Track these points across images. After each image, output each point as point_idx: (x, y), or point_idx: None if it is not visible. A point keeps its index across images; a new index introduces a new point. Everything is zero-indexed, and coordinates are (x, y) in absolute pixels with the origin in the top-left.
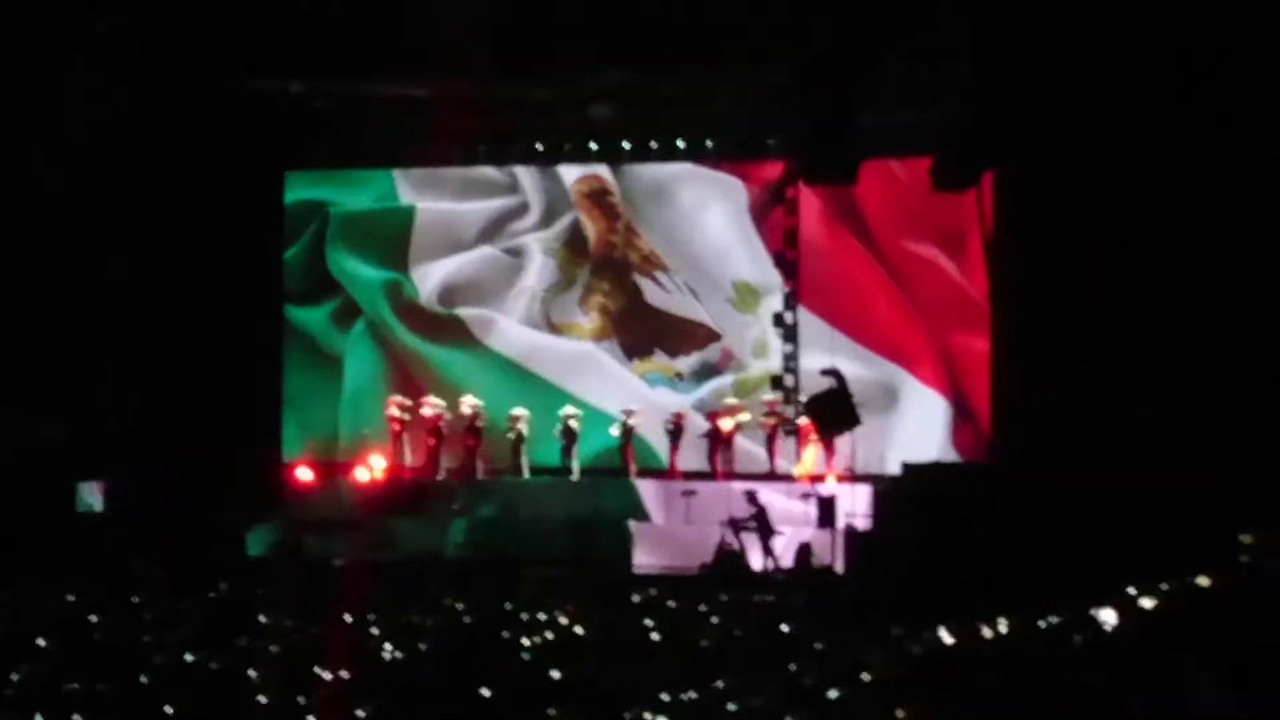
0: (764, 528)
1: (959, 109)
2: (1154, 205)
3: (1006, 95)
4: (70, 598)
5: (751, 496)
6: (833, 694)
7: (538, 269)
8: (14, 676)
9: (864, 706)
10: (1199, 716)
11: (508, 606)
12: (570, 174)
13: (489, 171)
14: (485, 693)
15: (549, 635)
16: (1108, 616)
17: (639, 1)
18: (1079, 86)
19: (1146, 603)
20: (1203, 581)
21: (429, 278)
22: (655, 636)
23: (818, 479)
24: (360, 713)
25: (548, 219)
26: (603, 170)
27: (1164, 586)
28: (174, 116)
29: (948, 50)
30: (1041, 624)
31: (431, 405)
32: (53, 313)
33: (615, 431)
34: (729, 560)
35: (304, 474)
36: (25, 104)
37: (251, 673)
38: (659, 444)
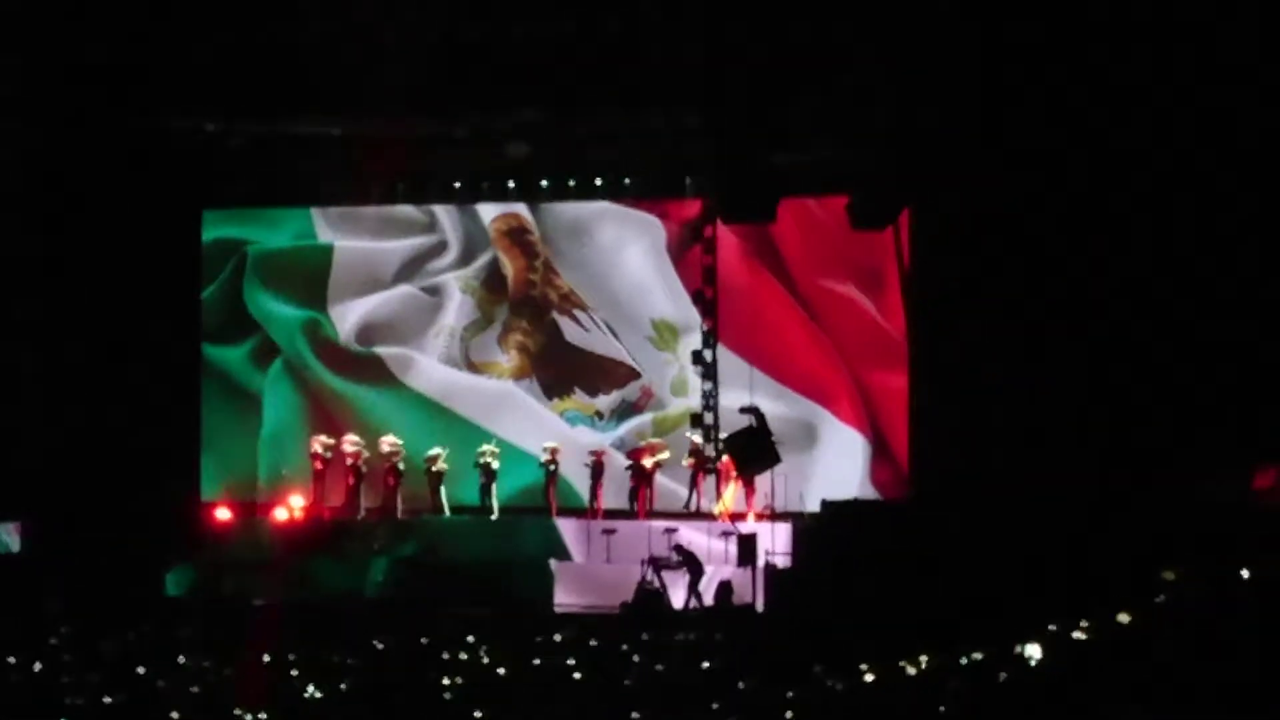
0: (693, 567)
1: (877, 148)
2: (1070, 244)
3: (923, 135)
4: None
5: (678, 547)
6: None
7: (456, 307)
8: None
9: None
10: None
11: (428, 646)
12: (489, 212)
13: (407, 210)
14: None
15: (470, 675)
16: (1033, 652)
17: (554, 42)
18: (994, 127)
19: (1071, 638)
20: (1124, 618)
21: (347, 316)
22: (577, 675)
23: (738, 517)
24: None
25: (466, 257)
26: (521, 209)
27: (1085, 623)
28: (88, 155)
29: (865, 91)
30: (964, 660)
31: (351, 444)
32: None
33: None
34: (649, 599)
35: (222, 514)
36: None
37: (173, 715)
38: (579, 483)
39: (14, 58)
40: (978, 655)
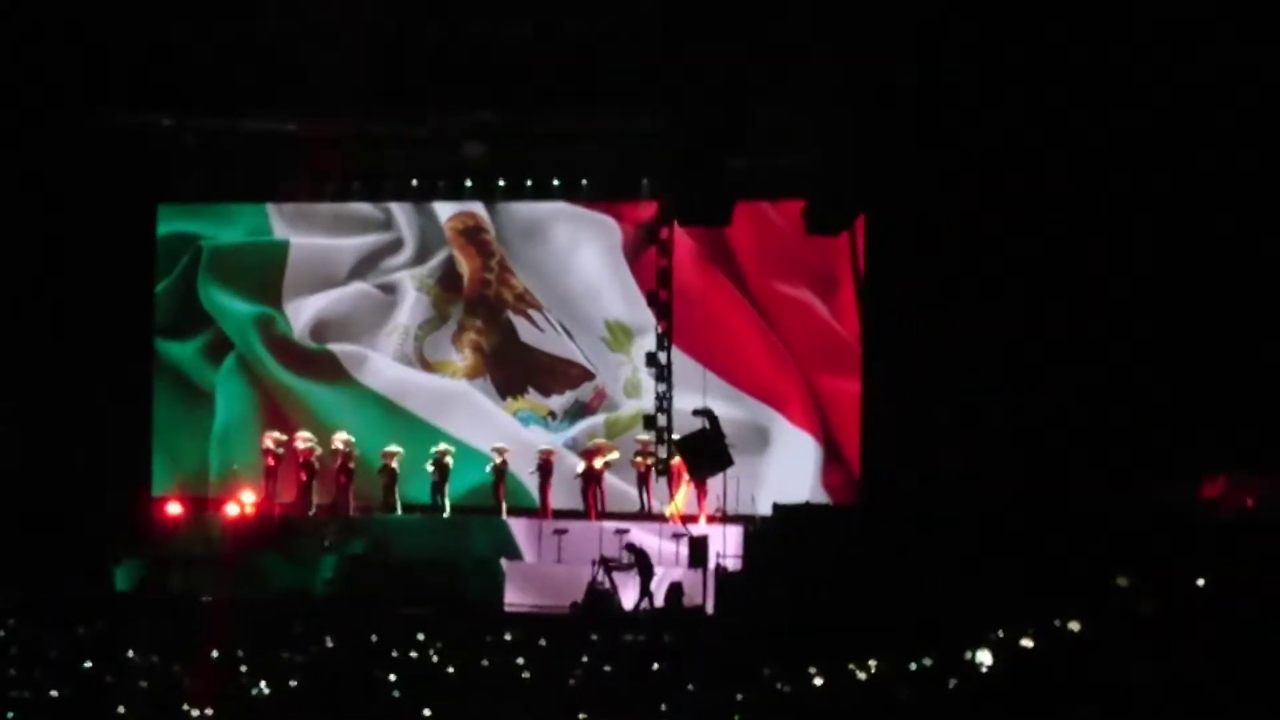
0: (645, 568)
1: (833, 154)
2: (1026, 251)
3: (879, 141)
4: None
5: (630, 546)
6: None
7: (411, 306)
8: None
9: None
10: None
11: (377, 644)
12: (445, 211)
13: (363, 207)
14: None
15: (420, 673)
16: (984, 658)
17: (512, 43)
18: (950, 134)
19: (1022, 645)
20: (1074, 625)
21: (302, 313)
22: (526, 675)
23: (689, 519)
24: None
25: (421, 256)
26: (477, 208)
27: (1035, 630)
28: (43, 149)
29: (822, 96)
30: (914, 665)
31: (304, 440)
32: None
33: (489, 469)
34: (599, 599)
35: (173, 509)
36: None
37: (121, 710)
38: (530, 483)
39: None
40: (927, 660)
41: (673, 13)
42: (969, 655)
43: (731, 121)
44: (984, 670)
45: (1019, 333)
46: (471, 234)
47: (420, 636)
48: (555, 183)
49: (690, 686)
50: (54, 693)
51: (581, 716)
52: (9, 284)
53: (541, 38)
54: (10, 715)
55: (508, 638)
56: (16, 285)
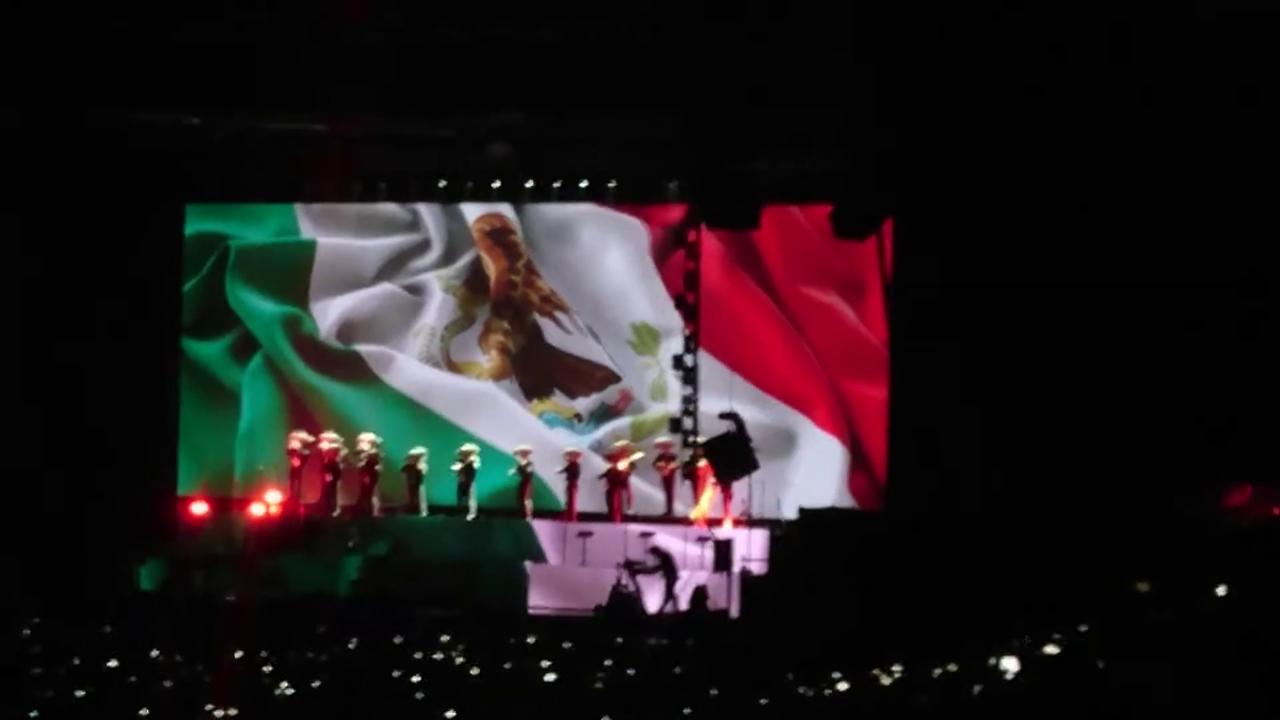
0: (669, 571)
1: (861, 158)
2: (1054, 256)
3: (908, 146)
4: None
5: (655, 549)
6: None
7: (437, 307)
8: None
9: None
10: None
11: (400, 645)
12: (472, 212)
13: (390, 208)
14: None
15: (442, 675)
16: (1009, 665)
17: (539, 45)
18: (978, 137)
19: (1046, 652)
20: (1097, 630)
21: (328, 313)
22: (548, 678)
23: (714, 523)
24: None
25: (449, 257)
26: (504, 209)
27: (1058, 636)
28: (71, 148)
29: (850, 100)
30: (938, 672)
31: (329, 441)
32: None
33: (511, 472)
34: (623, 603)
35: (198, 508)
36: None
37: (143, 711)
38: (556, 485)
39: None
40: (952, 667)
41: (700, 15)
42: (993, 662)
43: (752, 126)
44: (1008, 678)
45: (1046, 338)
46: (498, 235)
47: (443, 638)
48: (583, 184)
49: (714, 691)
50: (78, 692)
51: None
52: (36, 283)
53: (568, 39)
54: (34, 714)
55: (531, 640)
56: (44, 284)
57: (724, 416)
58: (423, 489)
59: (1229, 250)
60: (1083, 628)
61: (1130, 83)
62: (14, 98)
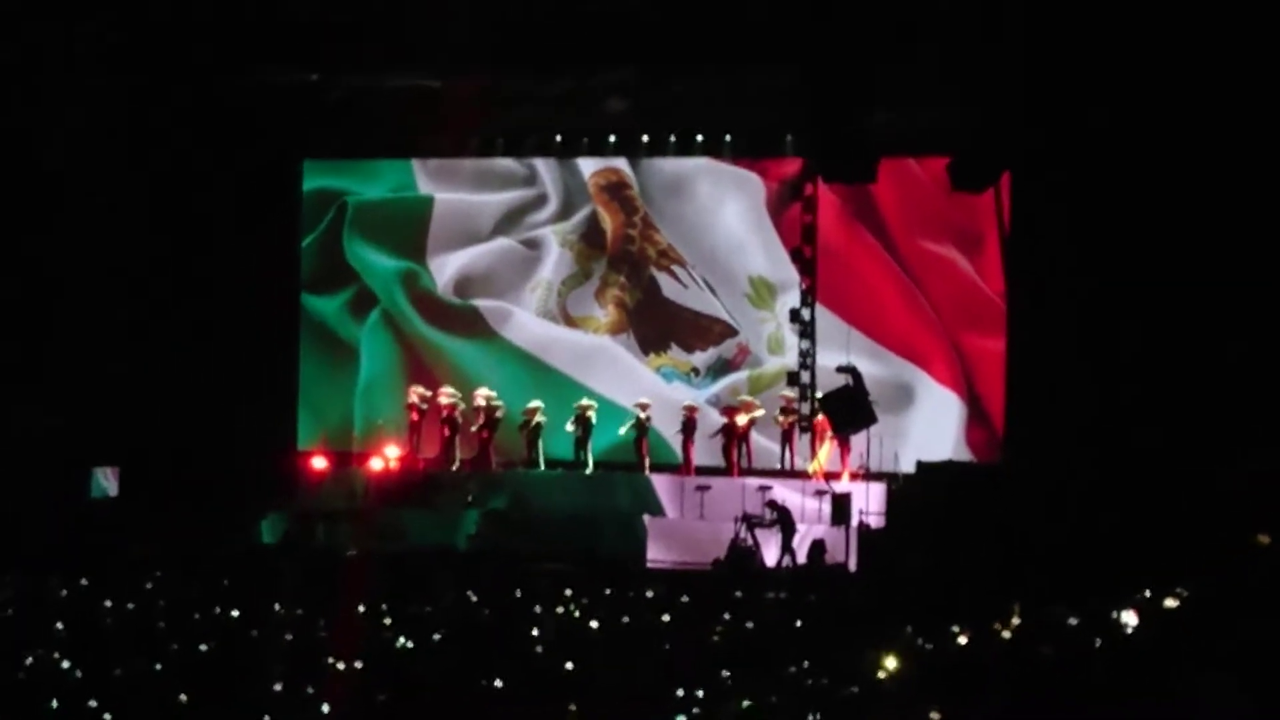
0: (786, 525)
1: (978, 110)
2: (1172, 208)
3: (1026, 98)
4: (83, 583)
5: (772, 503)
6: (847, 692)
7: (554, 261)
8: (28, 661)
9: (878, 705)
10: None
11: (519, 599)
12: (588, 167)
13: (507, 163)
14: (498, 684)
15: (561, 628)
16: (1129, 618)
17: None
18: (1097, 89)
19: (1165, 605)
20: (1216, 585)
21: (445, 268)
22: (667, 632)
23: (832, 476)
24: (373, 702)
25: (565, 211)
26: (621, 164)
27: (1178, 590)
28: (191, 106)
29: (967, 52)
30: (1058, 624)
31: (447, 395)
32: (70, 301)
33: (623, 430)
34: (742, 556)
35: (318, 463)
36: (33, 90)
37: (266, 663)
38: (673, 439)
39: (117, 11)
40: (1072, 620)
41: None
42: (1115, 615)
43: (869, 78)
44: (1129, 631)
45: (1164, 291)
46: (615, 190)
47: (566, 592)
48: (699, 139)
49: (831, 643)
50: (202, 646)
51: (724, 674)
52: (157, 241)
53: None
54: (158, 667)
55: (649, 594)
56: (164, 242)
57: (841, 370)
58: (540, 443)
59: None
60: (1204, 582)
61: (1266, 30)
62: (136, 60)
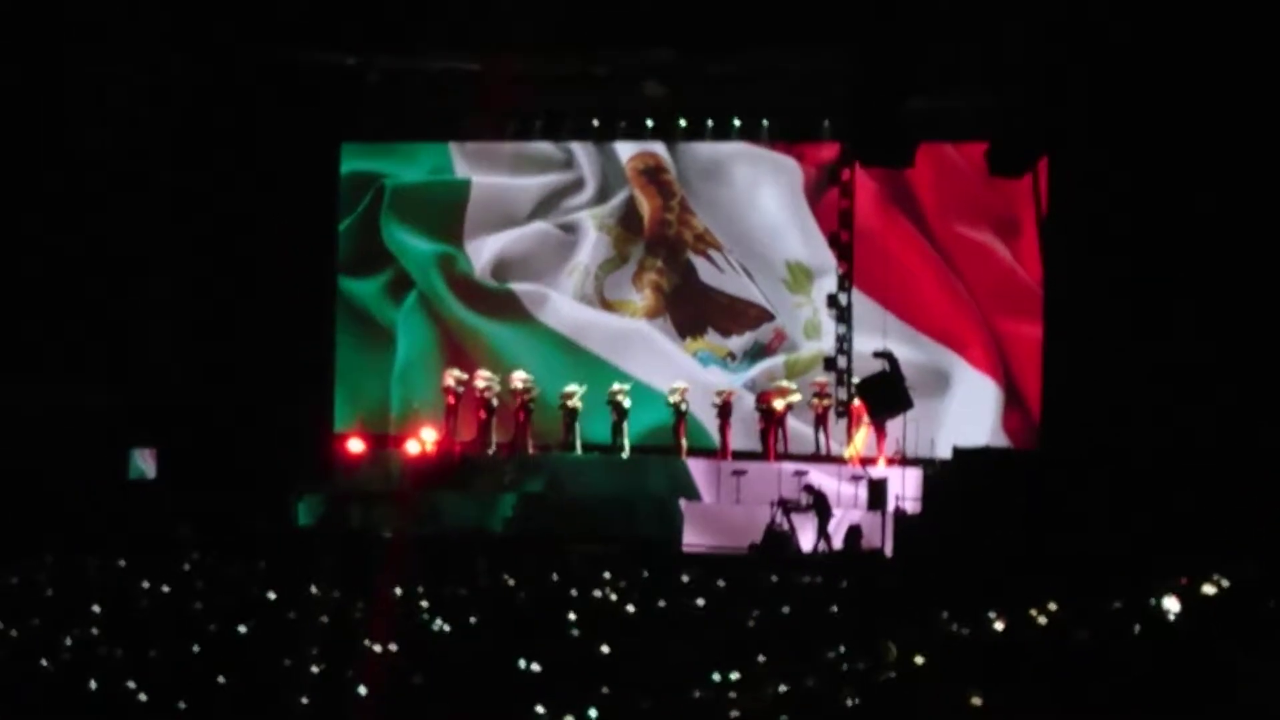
0: (823, 510)
1: (1016, 95)
2: (1210, 193)
3: (1064, 83)
4: (121, 564)
5: (809, 487)
6: (884, 677)
7: (591, 245)
8: (66, 641)
9: (914, 689)
10: (1254, 705)
11: (556, 582)
12: (625, 151)
13: (544, 147)
14: (535, 667)
15: (597, 612)
16: (1171, 605)
17: None
18: (1135, 74)
19: (1205, 591)
20: (1257, 572)
21: (482, 252)
22: (702, 616)
23: (868, 461)
24: (409, 684)
25: (603, 195)
26: (658, 148)
27: (1218, 577)
28: (230, 87)
29: (1005, 37)
30: (1096, 611)
31: (483, 379)
32: (109, 284)
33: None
34: (777, 541)
35: (354, 445)
36: (74, 75)
37: (302, 644)
38: (709, 423)
39: None
40: (1113, 605)
41: None
42: (1153, 602)
43: (914, 62)
44: (1170, 618)
45: (1202, 276)
46: (652, 174)
47: (605, 575)
48: (736, 123)
49: (868, 629)
50: (241, 627)
51: (760, 658)
52: (194, 222)
53: None
54: (195, 648)
55: (685, 578)
56: (201, 223)
57: (878, 355)
58: (577, 426)
59: None
60: (1245, 568)
61: None
62: (175, 40)
